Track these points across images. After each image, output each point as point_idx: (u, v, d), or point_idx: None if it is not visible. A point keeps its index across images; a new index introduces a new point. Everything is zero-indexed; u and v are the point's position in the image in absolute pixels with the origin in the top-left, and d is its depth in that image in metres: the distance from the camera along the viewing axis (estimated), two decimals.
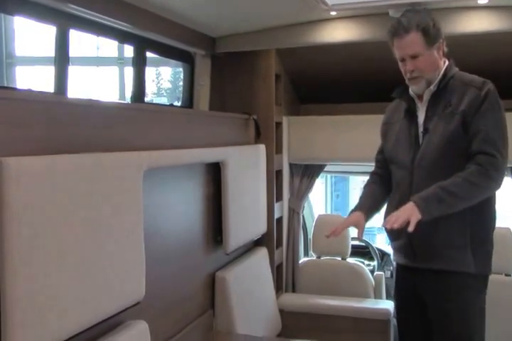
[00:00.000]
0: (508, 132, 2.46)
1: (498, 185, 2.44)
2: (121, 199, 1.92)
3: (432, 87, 2.54)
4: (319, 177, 4.14)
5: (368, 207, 2.70)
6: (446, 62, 2.57)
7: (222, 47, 3.39)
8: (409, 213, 2.33)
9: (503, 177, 2.43)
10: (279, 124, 3.67)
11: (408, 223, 2.31)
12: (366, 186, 2.87)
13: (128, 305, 1.96)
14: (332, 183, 6.80)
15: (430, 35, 2.47)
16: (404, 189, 2.60)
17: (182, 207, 2.62)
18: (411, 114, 2.64)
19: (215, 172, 2.89)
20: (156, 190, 2.36)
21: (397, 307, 2.80)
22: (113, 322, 1.98)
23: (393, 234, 2.67)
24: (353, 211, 2.70)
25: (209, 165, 2.86)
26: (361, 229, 2.63)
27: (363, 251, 4.81)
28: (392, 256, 2.83)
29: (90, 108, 1.96)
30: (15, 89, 2.20)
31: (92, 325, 1.78)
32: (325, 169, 4.00)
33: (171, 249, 2.51)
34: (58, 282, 1.61)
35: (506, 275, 3.53)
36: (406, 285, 2.71)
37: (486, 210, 2.52)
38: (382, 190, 2.77)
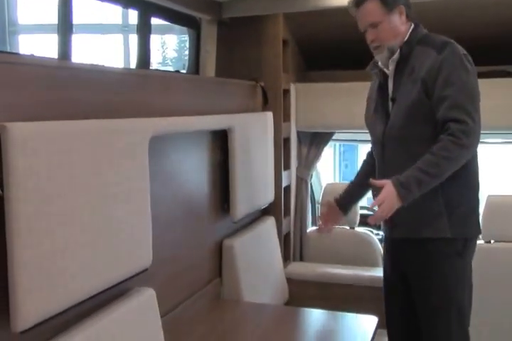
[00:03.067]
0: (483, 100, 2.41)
1: (473, 151, 2.40)
2: (128, 166, 1.89)
3: (395, 56, 2.49)
4: (328, 145, 4.10)
5: (349, 199, 2.89)
6: (412, 26, 2.51)
7: (229, 11, 3.33)
8: (392, 205, 2.31)
9: (477, 143, 2.37)
10: (286, 91, 3.62)
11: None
12: (360, 168, 2.93)
13: (135, 271, 1.95)
14: (341, 152, 6.76)
15: (387, 1, 2.42)
16: (380, 163, 2.61)
17: (189, 174, 2.59)
18: (382, 86, 2.60)
19: (221, 140, 2.85)
20: (162, 157, 2.33)
21: (384, 278, 2.80)
22: (121, 289, 1.97)
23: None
24: (337, 198, 2.87)
25: (216, 133, 2.83)
26: (335, 223, 2.86)
27: None
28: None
29: (95, 73, 1.93)
30: (18, 54, 2.16)
31: (100, 291, 1.76)
32: (333, 137, 3.97)
33: (178, 216, 2.49)
34: (65, 247, 1.59)
35: None
36: (389, 256, 2.71)
37: (460, 174, 2.45)
38: (370, 173, 2.72)
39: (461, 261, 2.52)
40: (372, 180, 2.42)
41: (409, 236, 2.53)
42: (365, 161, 2.91)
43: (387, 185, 2.33)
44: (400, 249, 2.60)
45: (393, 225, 2.56)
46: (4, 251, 1.45)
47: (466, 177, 2.50)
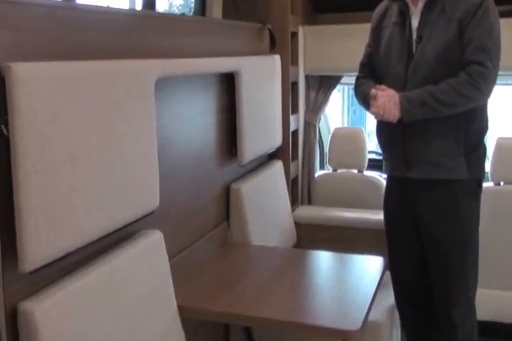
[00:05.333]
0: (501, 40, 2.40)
1: (485, 96, 2.43)
2: (133, 107, 1.87)
3: None
4: (336, 90, 4.07)
5: None
6: None
7: None
8: (391, 106, 2.37)
9: (491, 89, 2.41)
10: (294, 34, 3.56)
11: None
12: (360, 84, 2.80)
13: (142, 213, 1.95)
14: (349, 96, 6.69)
15: None
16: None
17: (195, 118, 2.57)
18: (403, 18, 2.55)
19: (228, 84, 2.82)
20: (168, 100, 2.31)
21: (387, 220, 2.80)
22: (128, 232, 1.98)
23: (386, 144, 2.67)
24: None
25: (222, 76, 2.79)
26: None
27: (380, 165, 4.78)
28: (384, 170, 2.82)
29: (100, 14, 1.89)
30: None
31: (107, 233, 1.77)
32: (342, 81, 3.93)
33: (185, 160, 2.48)
34: (71, 189, 1.59)
35: None
36: (398, 197, 2.71)
37: (479, 117, 2.50)
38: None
39: (475, 202, 2.56)
40: (373, 90, 2.42)
41: (427, 177, 2.54)
42: (365, 78, 2.79)
43: (393, 92, 2.34)
44: (414, 190, 2.60)
45: (410, 165, 2.56)
46: (11, 192, 1.45)
47: (482, 120, 2.53)
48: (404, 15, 2.54)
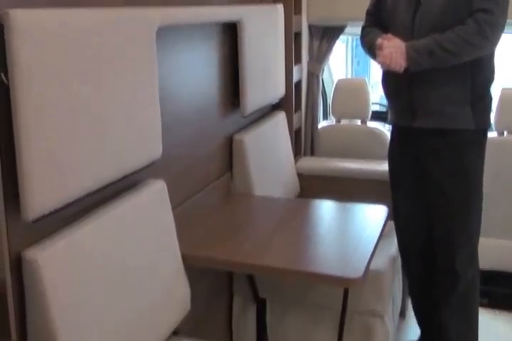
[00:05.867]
0: None
1: (492, 44, 2.40)
2: (135, 56, 1.86)
3: None
4: (340, 41, 4.03)
5: None
6: None
7: None
8: (398, 55, 2.37)
9: (498, 37, 2.38)
10: None
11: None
12: (366, 34, 2.77)
13: (145, 163, 1.95)
14: (353, 47, 6.62)
15: None
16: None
17: (198, 68, 2.56)
18: None
19: (231, 34, 2.79)
20: (170, 50, 2.29)
21: (392, 170, 2.82)
22: (131, 181, 1.99)
23: (392, 94, 2.66)
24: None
25: (225, 26, 2.76)
26: None
27: (384, 116, 4.77)
28: (389, 119, 2.82)
29: None
30: None
31: (110, 182, 1.78)
32: (346, 31, 3.88)
33: (187, 111, 2.47)
34: (74, 138, 1.59)
35: None
36: (402, 147, 2.71)
37: (486, 66, 2.48)
38: None
39: (480, 151, 2.56)
40: (379, 40, 2.40)
41: (433, 126, 2.53)
42: (371, 28, 2.77)
43: (400, 41, 2.34)
44: (419, 139, 2.60)
45: (416, 115, 2.55)
46: (13, 142, 1.45)
47: (489, 69, 2.51)
48: None
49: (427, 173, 2.62)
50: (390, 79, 2.64)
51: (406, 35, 2.48)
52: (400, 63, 2.38)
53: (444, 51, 2.34)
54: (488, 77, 2.55)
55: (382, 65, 2.46)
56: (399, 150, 2.75)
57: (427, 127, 2.55)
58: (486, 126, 2.60)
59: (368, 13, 2.79)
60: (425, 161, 2.61)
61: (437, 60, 2.36)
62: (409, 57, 2.37)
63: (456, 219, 2.58)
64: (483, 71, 2.49)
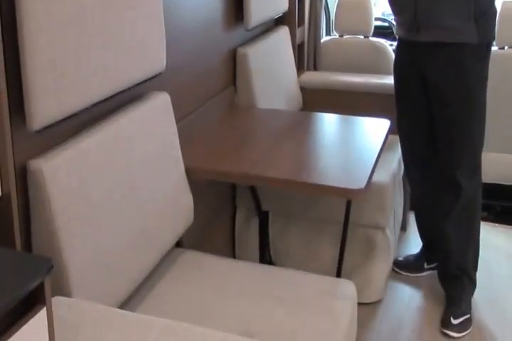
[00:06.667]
0: None
1: None
2: None
3: None
4: None
5: None
6: None
7: None
8: None
9: None
10: None
11: None
12: None
13: (149, 74, 1.94)
14: None
15: None
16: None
17: None
18: None
19: None
20: None
21: (397, 82, 2.82)
22: (135, 93, 1.98)
23: (398, 8, 2.64)
24: None
25: None
26: None
27: (386, 32, 4.72)
28: (395, 32, 2.80)
29: None
30: None
31: (114, 93, 1.77)
32: None
33: (191, 24, 2.44)
34: (78, 48, 1.57)
35: None
36: (407, 60, 2.70)
37: None
38: None
39: (484, 64, 2.56)
40: None
41: (438, 40, 2.52)
42: None
43: None
44: (424, 52, 2.59)
45: (421, 28, 2.53)
46: (17, 51, 1.43)
47: None
48: None
49: (430, 84, 2.62)
50: None
51: None
52: None
53: None
54: None
55: None
56: (404, 64, 2.74)
57: (431, 40, 2.54)
58: (489, 40, 2.59)
59: None
60: (429, 74, 2.60)
61: None
62: None
63: (459, 127, 2.59)
64: None
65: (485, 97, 2.60)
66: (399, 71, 2.80)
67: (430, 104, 2.66)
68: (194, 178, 2.23)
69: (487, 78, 2.60)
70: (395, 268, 3.10)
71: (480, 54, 2.55)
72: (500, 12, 3.40)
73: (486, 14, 2.52)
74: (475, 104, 2.58)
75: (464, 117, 2.58)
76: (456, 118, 2.58)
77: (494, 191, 3.43)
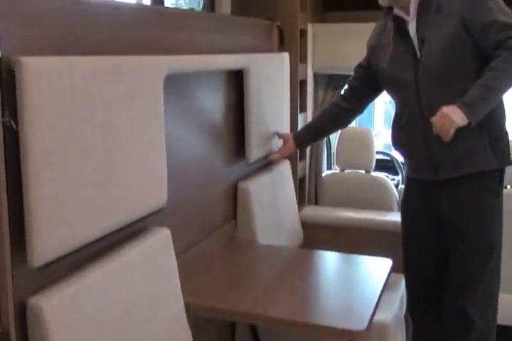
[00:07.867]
0: None
1: None
2: (142, 103, 1.86)
3: None
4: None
5: (306, 140, 3.10)
6: None
7: None
8: (452, 120, 2.26)
9: None
10: (303, 32, 3.54)
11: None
12: (322, 112, 3.10)
13: (150, 210, 1.95)
14: None
15: None
16: (413, 107, 2.54)
17: (204, 115, 2.56)
18: (402, 31, 2.53)
19: (237, 81, 2.80)
20: (177, 97, 2.29)
21: (406, 219, 2.80)
22: (136, 228, 1.97)
23: (410, 151, 2.65)
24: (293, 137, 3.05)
25: (231, 74, 2.78)
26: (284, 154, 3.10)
27: (388, 165, 4.77)
28: (406, 174, 2.81)
29: (108, 8, 1.88)
30: None
31: (115, 229, 1.77)
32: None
33: (192, 158, 2.47)
34: (81, 185, 1.58)
35: None
36: (420, 197, 2.69)
37: (499, 104, 2.46)
38: (332, 124, 2.99)
39: (497, 200, 2.57)
40: (432, 118, 2.33)
41: (457, 174, 2.52)
42: (336, 104, 2.96)
43: (449, 107, 2.27)
44: (439, 188, 2.58)
45: (439, 168, 2.53)
46: (20, 187, 1.44)
47: (501, 106, 2.50)
48: (401, 30, 2.53)
49: (445, 219, 2.60)
50: (403, 139, 2.64)
51: (411, 91, 2.50)
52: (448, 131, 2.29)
53: (493, 90, 2.29)
54: (499, 117, 2.52)
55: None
56: (416, 200, 2.72)
57: (449, 177, 2.54)
58: (507, 164, 2.57)
59: (359, 65, 2.85)
60: (443, 207, 2.59)
61: (492, 100, 2.32)
62: (467, 115, 2.27)
63: (474, 263, 2.55)
64: (494, 113, 2.46)
65: (501, 231, 2.57)
66: (409, 207, 2.79)
67: (444, 239, 2.62)
68: (193, 314, 2.18)
69: (502, 213, 2.59)
70: None
71: (493, 187, 2.55)
72: None
73: (498, 140, 2.52)
74: (492, 236, 2.54)
75: (481, 250, 2.54)
76: (474, 250, 2.54)
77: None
